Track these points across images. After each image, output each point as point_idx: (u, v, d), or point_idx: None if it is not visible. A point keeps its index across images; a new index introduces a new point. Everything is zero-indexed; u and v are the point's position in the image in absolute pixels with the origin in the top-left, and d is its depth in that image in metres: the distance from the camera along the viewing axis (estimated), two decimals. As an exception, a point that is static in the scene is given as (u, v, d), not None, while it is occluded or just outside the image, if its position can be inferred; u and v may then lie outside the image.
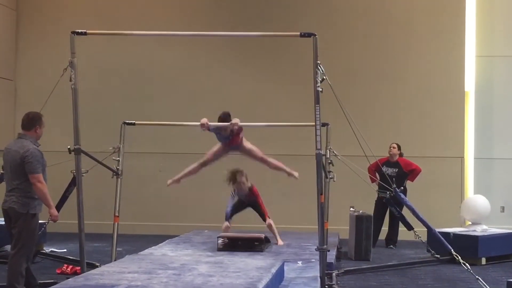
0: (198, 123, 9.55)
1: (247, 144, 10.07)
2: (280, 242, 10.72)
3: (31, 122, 7.59)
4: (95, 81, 14.33)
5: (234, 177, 10.54)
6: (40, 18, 15.26)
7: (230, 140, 9.84)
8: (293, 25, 13.50)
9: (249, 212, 11.17)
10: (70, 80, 7.92)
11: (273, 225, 10.70)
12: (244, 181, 10.58)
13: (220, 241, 10.14)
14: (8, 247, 10.09)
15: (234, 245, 10.07)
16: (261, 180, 13.91)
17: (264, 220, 10.66)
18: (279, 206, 13.99)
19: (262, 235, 10.24)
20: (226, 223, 10.68)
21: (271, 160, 10.34)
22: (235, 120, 9.53)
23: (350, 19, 14.70)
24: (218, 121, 9.67)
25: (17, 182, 7.41)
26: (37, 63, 15.07)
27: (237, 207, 10.92)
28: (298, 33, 7.88)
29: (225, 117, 9.67)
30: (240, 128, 9.73)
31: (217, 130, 9.72)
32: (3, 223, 8.36)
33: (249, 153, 10.14)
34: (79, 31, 7.99)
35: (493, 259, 10.99)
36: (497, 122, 14.55)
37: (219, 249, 10.03)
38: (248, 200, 10.82)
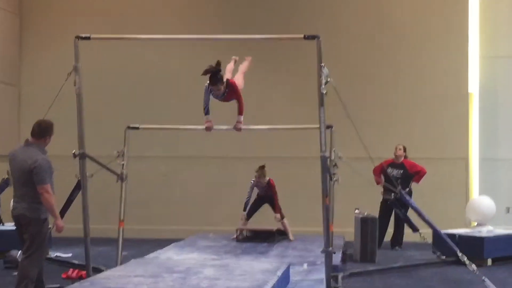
0: (203, 127, 9.53)
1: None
2: (292, 237, 11.81)
3: (43, 131, 7.53)
4: (99, 85, 14.32)
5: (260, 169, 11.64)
6: (44, 23, 15.28)
7: (226, 96, 9.31)
8: (298, 28, 13.50)
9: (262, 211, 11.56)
10: (74, 85, 7.92)
11: (286, 223, 11.89)
12: (264, 174, 11.67)
13: (238, 233, 11.78)
14: (13, 252, 10.13)
15: (250, 237, 11.75)
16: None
17: (276, 213, 11.71)
18: (284, 209, 13.96)
19: (274, 228, 11.72)
20: (244, 215, 11.85)
21: None
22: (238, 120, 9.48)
23: (354, 21, 14.68)
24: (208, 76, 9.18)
25: (26, 189, 7.39)
26: (41, 68, 15.09)
27: (256, 205, 12.01)
28: (302, 36, 7.88)
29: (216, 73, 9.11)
30: (236, 85, 9.37)
31: (211, 92, 9.25)
32: (10, 228, 8.39)
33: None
34: (83, 35, 7.99)
35: (499, 260, 10.97)
36: (501, 122, 14.52)
37: (238, 240, 11.62)
38: (265, 195, 11.80)
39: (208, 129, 9.40)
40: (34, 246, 7.39)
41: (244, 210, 11.79)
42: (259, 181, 11.73)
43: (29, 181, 7.33)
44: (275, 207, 11.75)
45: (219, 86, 9.12)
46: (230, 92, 9.29)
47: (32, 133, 7.56)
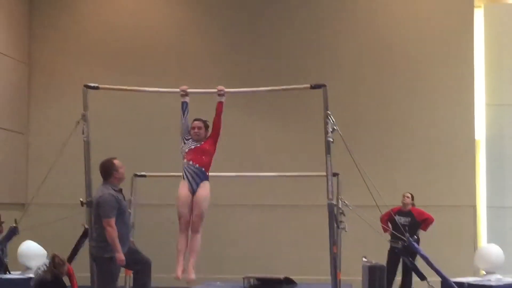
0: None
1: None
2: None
3: (106, 172, 7.74)
4: (106, 132, 14.35)
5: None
6: (52, 72, 15.39)
7: (201, 145, 8.72)
8: (303, 76, 13.58)
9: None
10: (83, 133, 7.98)
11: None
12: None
13: (245, 281, 11.90)
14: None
15: (257, 285, 11.90)
16: (272, 229, 13.90)
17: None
18: (291, 256, 13.93)
19: (281, 276, 11.86)
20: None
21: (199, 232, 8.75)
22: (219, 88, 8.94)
23: (359, 69, 14.76)
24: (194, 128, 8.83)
25: (96, 226, 7.57)
26: (49, 116, 15.15)
27: None
28: (309, 85, 7.95)
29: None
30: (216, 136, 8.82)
31: (189, 132, 8.87)
32: (17, 276, 8.37)
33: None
34: (92, 85, 8.08)
35: (508, 309, 10.86)
36: (508, 170, 14.47)
37: None
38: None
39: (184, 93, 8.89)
40: (98, 284, 7.55)
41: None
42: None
43: (97, 217, 7.50)
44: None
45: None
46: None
47: (101, 176, 7.77)
